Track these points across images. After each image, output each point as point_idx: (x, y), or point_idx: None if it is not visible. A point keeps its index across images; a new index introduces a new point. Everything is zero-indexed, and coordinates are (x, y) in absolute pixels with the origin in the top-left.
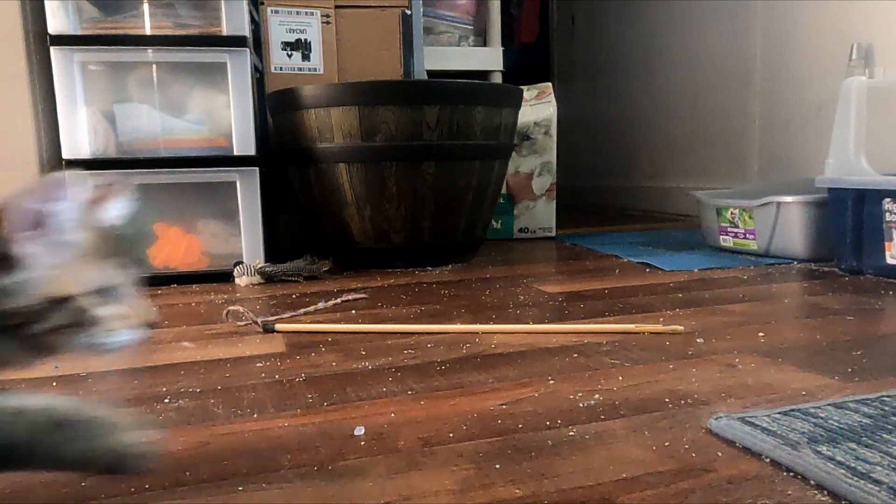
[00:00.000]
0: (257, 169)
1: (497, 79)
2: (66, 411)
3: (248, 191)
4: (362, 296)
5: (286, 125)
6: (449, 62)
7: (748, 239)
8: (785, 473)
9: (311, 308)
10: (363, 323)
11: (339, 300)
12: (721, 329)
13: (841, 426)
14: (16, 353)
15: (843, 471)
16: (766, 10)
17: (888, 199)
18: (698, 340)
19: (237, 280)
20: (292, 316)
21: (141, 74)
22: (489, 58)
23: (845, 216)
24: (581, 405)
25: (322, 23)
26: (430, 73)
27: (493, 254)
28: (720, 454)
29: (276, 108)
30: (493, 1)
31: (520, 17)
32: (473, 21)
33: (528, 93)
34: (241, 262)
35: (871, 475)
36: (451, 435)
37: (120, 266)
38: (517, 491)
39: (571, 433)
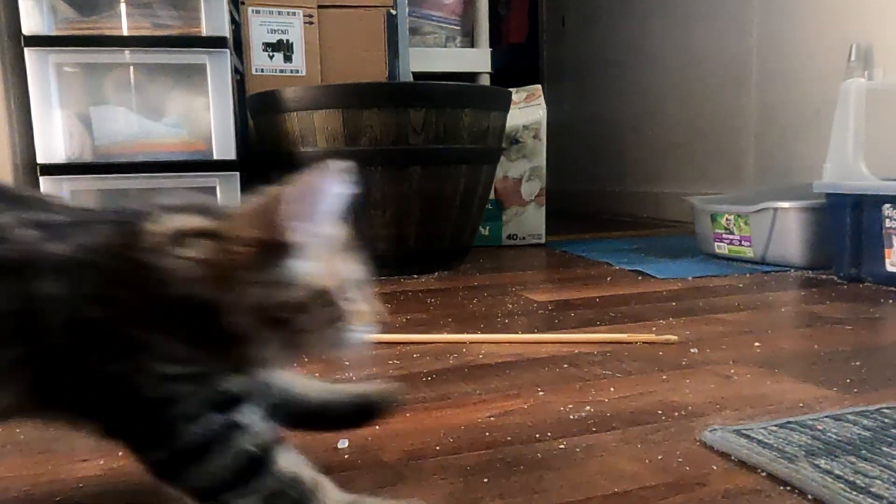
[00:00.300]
0: (237, 174)
1: (485, 81)
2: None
3: (228, 196)
4: None
5: (267, 129)
6: (435, 63)
7: (744, 246)
8: (782, 488)
9: None
10: None
11: None
12: (716, 339)
13: (839, 439)
14: (277, 350)
15: (841, 485)
16: (763, 10)
17: (888, 205)
18: (692, 350)
19: None
20: None
21: (118, 76)
22: (477, 59)
23: (844, 222)
24: (571, 417)
25: (304, 23)
26: (416, 75)
27: (481, 261)
28: (715, 468)
29: (257, 111)
30: (481, 0)
31: (508, 17)
32: (460, 21)
33: (517, 95)
34: None
35: (871, 489)
36: (437, 448)
37: (359, 259)
38: None
39: (562, 446)
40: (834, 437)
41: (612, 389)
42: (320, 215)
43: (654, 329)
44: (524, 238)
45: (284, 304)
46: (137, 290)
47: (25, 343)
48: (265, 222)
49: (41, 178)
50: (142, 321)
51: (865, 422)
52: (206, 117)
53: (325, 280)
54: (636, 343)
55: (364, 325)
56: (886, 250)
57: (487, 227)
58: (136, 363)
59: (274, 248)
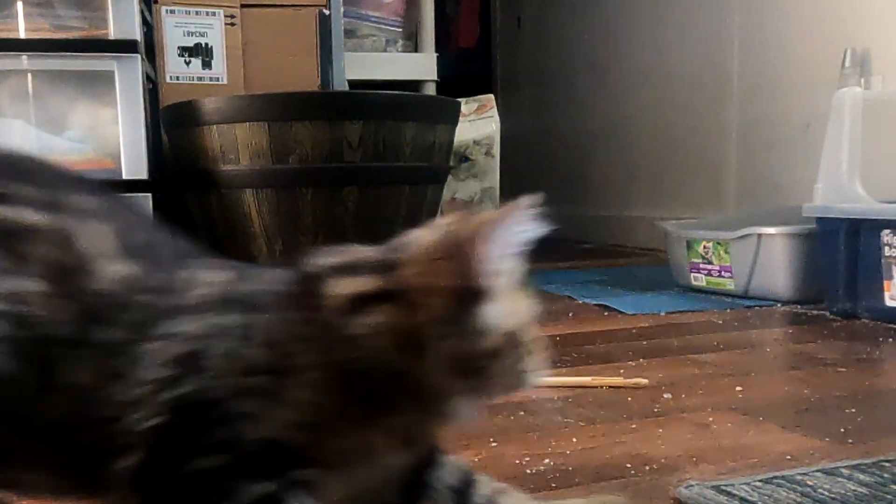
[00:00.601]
0: (150, 195)
1: (430, 90)
2: None
3: None
4: None
5: (184, 144)
6: (374, 70)
7: (724, 277)
8: None
9: None
10: None
11: None
12: (692, 382)
13: (832, 496)
14: (466, 403)
15: None
16: (744, 11)
17: (887, 231)
18: (665, 396)
19: None
20: None
21: (13, 85)
22: (421, 65)
23: (837, 250)
24: (528, 471)
25: (226, 24)
26: (353, 84)
27: None
28: None
29: (173, 124)
30: None
31: (457, 17)
32: (402, 22)
33: (467, 106)
34: None
35: None
36: None
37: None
38: None
39: None
40: (826, 494)
41: (574, 440)
42: (511, 255)
43: (622, 371)
44: None
45: (482, 353)
46: (329, 369)
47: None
48: (456, 267)
49: None
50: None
51: (862, 476)
52: (114, 131)
53: (513, 320)
54: (602, 387)
55: (540, 364)
56: (885, 282)
57: None
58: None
59: (469, 296)
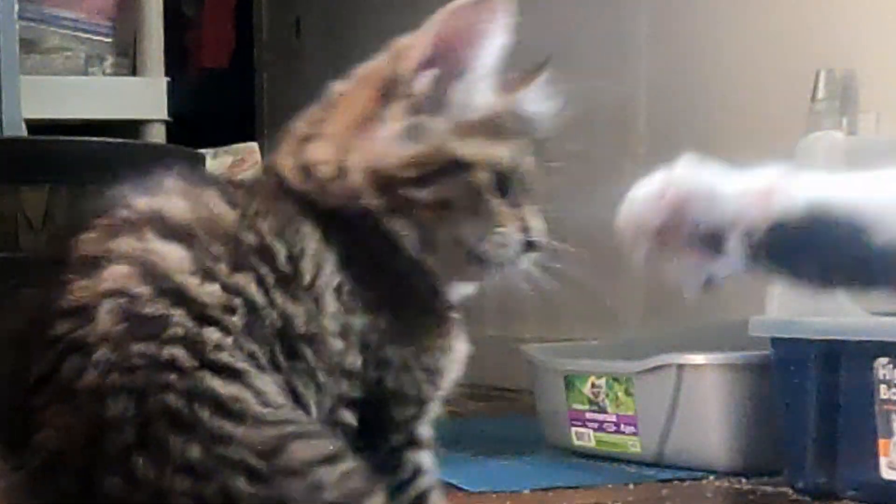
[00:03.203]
0: None
1: (158, 134)
2: None
3: None
4: None
5: None
6: (69, 104)
7: (624, 433)
8: None
9: None
10: None
11: None
12: None
13: None
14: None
15: None
16: (653, 26)
17: (884, 361)
18: None
19: None
20: None
21: None
22: (142, 96)
23: (805, 391)
24: None
25: None
26: (34, 125)
27: None
28: None
29: None
30: None
31: (200, 22)
32: (113, 29)
33: (217, 160)
34: None
35: None
36: None
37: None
38: None
39: None
40: None
41: None
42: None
43: None
44: None
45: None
46: None
47: None
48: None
49: None
50: None
51: None
52: None
53: (465, 150)
54: None
55: (511, 236)
56: (881, 442)
57: None
58: None
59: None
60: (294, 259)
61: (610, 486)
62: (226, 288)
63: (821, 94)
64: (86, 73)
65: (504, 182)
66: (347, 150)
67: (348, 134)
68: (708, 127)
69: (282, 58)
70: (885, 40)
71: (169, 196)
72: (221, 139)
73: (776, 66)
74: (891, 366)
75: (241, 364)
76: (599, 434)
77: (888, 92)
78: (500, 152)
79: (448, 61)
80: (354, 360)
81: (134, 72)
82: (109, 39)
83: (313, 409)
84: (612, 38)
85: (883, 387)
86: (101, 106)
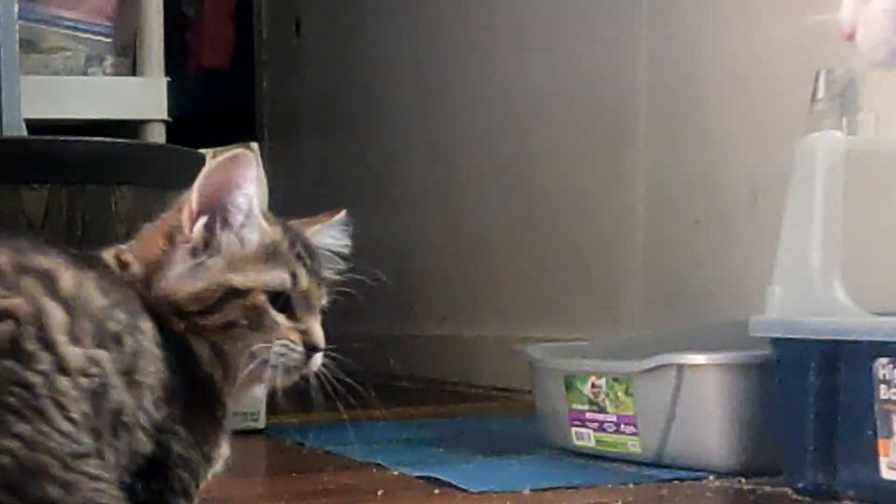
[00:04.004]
0: None
1: (158, 135)
2: None
3: None
4: None
5: None
6: (69, 104)
7: (624, 433)
8: None
9: None
10: None
11: None
12: None
13: None
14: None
15: None
16: (654, 26)
17: (884, 361)
18: None
19: None
20: None
21: None
22: (142, 96)
23: (805, 392)
24: None
25: None
26: (33, 125)
27: None
28: None
29: None
30: None
31: (200, 22)
32: (113, 29)
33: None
34: None
35: None
36: None
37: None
38: None
39: None
40: None
41: None
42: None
43: None
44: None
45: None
46: None
47: None
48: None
49: None
50: None
51: None
52: None
53: (239, 280)
54: None
55: (294, 344)
56: (880, 441)
57: None
58: None
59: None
60: (135, 355)
61: (610, 486)
62: (87, 357)
63: (821, 94)
64: (86, 73)
65: (284, 300)
66: (150, 286)
67: (149, 272)
68: (708, 127)
69: (282, 58)
70: None
71: (60, 265)
72: (221, 139)
73: (777, 63)
74: (891, 366)
75: (76, 416)
76: (599, 434)
77: (888, 92)
78: (273, 277)
79: (214, 210)
80: (148, 448)
81: (134, 72)
82: (109, 39)
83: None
84: (613, 38)
85: (883, 387)
86: (101, 106)
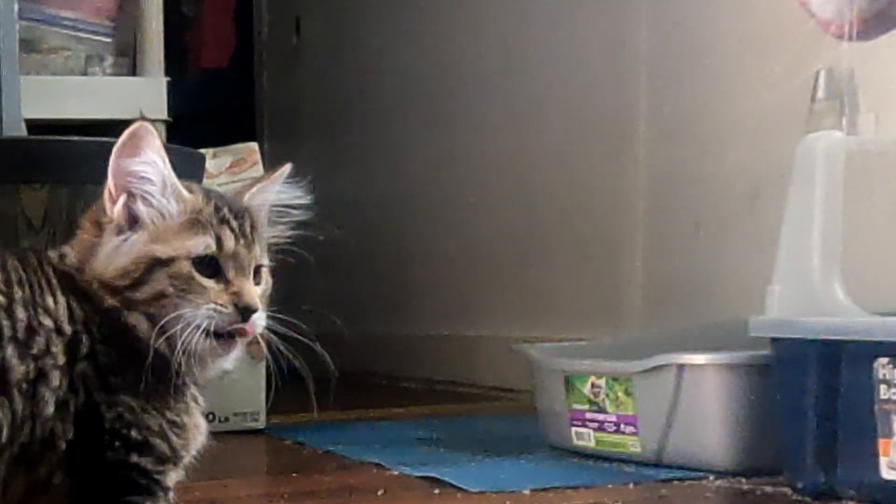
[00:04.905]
0: None
1: (158, 135)
2: None
3: None
4: None
5: None
6: (69, 104)
7: (624, 433)
8: None
9: None
10: None
11: None
12: None
13: None
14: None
15: None
16: (654, 26)
17: (884, 361)
18: None
19: None
20: None
21: None
22: (143, 96)
23: (805, 391)
24: None
25: None
26: (34, 125)
27: None
28: None
29: None
30: None
31: (200, 22)
32: (113, 29)
33: (216, 161)
34: None
35: None
36: None
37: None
38: None
39: None
40: None
41: None
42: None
43: None
44: (228, 420)
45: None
46: None
47: None
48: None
49: None
50: None
51: None
52: None
53: (162, 249)
54: None
55: (222, 306)
56: (881, 442)
57: None
58: None
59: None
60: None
61: (610, 486)
62: None
63: (821, 94)
64: (86, 73)
65: (213, 264)
66: (83, 269)
67: (83, 258)
68: (708, 127)
69: (282, 58)
70: (885, 40)
71: None
72: (221, 139)
73: (777, 63)
74: (891, 366)
75: None
76: (599, 434)
77: (888, 92)
78: (197, 243)
79: (126, 188)
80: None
81: (134, 72)
82: (109, 39)
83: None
84: (613, 38)
85: (883, 387)
86: (101, 106)
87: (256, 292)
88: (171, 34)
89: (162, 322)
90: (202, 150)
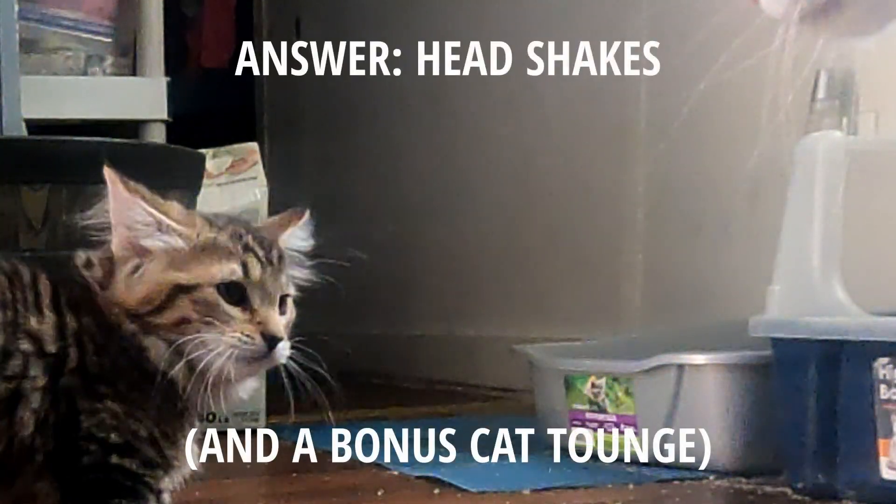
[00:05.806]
0: None
1: (157, 134)
2: None
3: None
4: None
5: None
6: (69, 104)
7: (624, 433)
8: None
9: None
10: None
11: None
12: None
13: None
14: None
15: None
16: (654, 26)
17: (885, 361)
18: None
19: None
20: None
21: None
22: (143, 96)
23: (805, 391)
24: None
25: None
26: (33, 125)
27: None
28: None
29: None
30: None
31: (200, 22)
32: (113, 29)
33: (216, 161)
34: None
35: None
36: None
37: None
38: None
39: None
40: None
41: None
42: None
43: None
44: (226, 420)
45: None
46: None
47: None
48: None
49: None
50: None
51: None
52: None
53: (183, 276)
54: None
55: (249, 336)
56: (880, 442)
57: None
58: None
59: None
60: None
61: (610, 486)
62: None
63: (821, 94)
64: (86, 73)
65: (239, 292)
66: (106, 287)
67: (105, 276)
68: (708, 126)
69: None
70: (885, 40)
71: None
72: (221, 139)
73: (776, 65)
74: (891, 366)
75: None
76: (599, 434)
77: (888, 92)
78: (221, 270)
79: (127, 223)
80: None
81: (134, 72)
82: (109, 39)
83: None
84: (613, 38)
85: (883, 387)
86: (101, 106)
87: (282, 322)
88: (171, 34)
89: (180, 342)
90: (202, 150)
